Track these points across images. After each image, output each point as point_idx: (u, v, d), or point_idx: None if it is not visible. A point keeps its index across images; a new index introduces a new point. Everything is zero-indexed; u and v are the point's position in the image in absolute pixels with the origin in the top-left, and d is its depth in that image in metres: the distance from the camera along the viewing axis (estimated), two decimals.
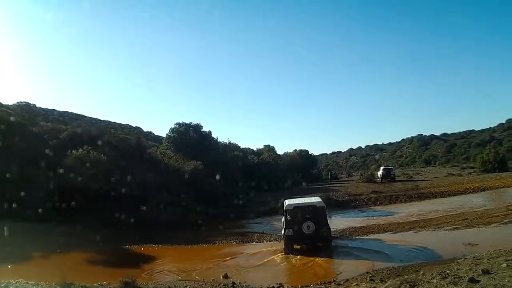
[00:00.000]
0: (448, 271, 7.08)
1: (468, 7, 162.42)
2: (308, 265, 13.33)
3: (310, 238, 14.62)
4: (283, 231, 15.34)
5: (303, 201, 16.15)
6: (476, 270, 6.86)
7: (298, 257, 14.21)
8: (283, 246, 15.12)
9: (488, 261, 7.72)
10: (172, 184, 25.63)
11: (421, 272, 7.85)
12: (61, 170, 20.94)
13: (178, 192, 25.09)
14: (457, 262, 8.14)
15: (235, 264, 14.26)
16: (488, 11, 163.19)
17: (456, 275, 6.68)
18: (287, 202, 15.82)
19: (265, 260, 14.42)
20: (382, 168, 48.88)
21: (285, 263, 13.95)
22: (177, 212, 22.85)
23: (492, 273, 6.47)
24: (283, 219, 15.71)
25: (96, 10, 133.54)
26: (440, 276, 6.73)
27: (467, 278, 6.21)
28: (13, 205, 17.79)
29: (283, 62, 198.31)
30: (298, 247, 15.04)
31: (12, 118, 23.82)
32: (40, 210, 18.01)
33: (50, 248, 16.59)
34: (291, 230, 14.63)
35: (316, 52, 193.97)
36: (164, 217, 21.68)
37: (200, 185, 27.72)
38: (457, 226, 17.30)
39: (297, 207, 15.23)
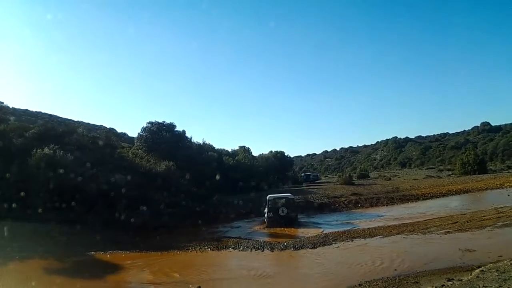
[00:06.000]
0: None
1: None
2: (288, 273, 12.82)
3: (284, 219, 21.21)
4: (265, 214, 21.81)
5: (280, 195, 23.42)
6: None
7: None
8: (265, 225, 21.70)
9: None
10: (143, 185, 24.01)
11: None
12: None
13: (149, 194, 23.54)
14: (479, 277, 6.87)
15: (209, 274, 12.98)
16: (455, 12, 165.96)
17: None
18: (269, 196, 22.25)
19: (241, 271, 13.22)
20: (308, 173, 66.81)
21: (264, 275, 12.64)
22: (147, 214, 21.30)
23: None
24: (266, 207, 22.02)
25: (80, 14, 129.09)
26: None
27: None
28: None
29: (256, 65, 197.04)
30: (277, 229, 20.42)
31: None
32: None
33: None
34: (271, 213, 21.44)
35: (291, 56, 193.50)
36: (133, 220, 20.05)
37: (173, 186, 26.13)
38: (448, 230, 16.43)
39: (275, 198, 22.36)
